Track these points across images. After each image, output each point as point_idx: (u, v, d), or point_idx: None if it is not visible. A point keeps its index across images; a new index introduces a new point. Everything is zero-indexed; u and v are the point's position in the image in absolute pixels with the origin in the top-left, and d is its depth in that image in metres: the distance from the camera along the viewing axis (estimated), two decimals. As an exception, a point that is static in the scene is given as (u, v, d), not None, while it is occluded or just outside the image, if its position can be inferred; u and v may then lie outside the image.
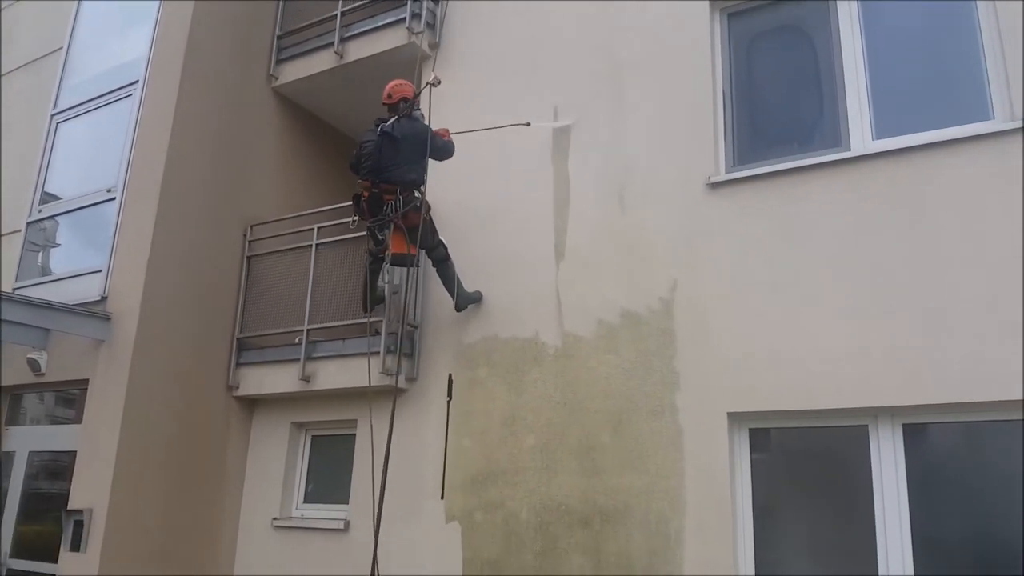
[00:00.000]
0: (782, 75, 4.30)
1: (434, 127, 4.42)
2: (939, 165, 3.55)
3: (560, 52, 4.87)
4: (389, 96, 4.45)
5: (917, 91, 3.85)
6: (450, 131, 4.49)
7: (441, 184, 4.74)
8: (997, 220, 3.37)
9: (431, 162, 4.34)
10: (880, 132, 3.82)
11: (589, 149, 4.59)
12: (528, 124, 4.56)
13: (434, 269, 4.66)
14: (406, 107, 4.40)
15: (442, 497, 4.04)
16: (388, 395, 4.23)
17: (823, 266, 3.70)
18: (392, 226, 4.34)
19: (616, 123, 4.53)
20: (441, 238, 4.59)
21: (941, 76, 3.80)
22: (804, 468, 3.80)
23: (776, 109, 4.26)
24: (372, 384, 4.31)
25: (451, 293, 4.61)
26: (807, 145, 4.02)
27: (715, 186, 4.09)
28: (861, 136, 3.85)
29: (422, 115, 4.49)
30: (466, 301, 4.64)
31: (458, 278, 4.60)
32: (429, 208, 4.45)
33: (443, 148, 4.42)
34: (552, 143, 4.72)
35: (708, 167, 4.14)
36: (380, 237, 4.47)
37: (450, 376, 4.13)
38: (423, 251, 4.55)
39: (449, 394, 4.04)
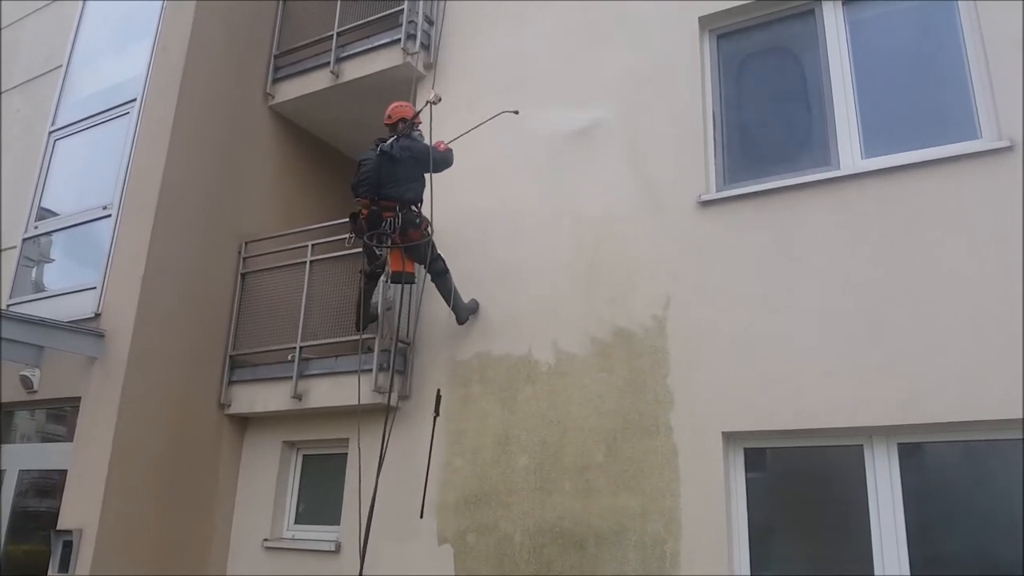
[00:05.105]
0: (772, 95, 4.33)
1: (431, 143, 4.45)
2: (928, 184, 3.57)
3: (551, 71, 4.90)
4: (389, 117, 4.53)
5: (905, 110, 3.88)
6: (445, 141, 4.51)
7: (438, 199, 4.74)
8: (987, 238, 3.38)
9: (429, 177, 4.35)
10: (869, 151, 3.84)
11: (582, 167, 4.61)
12: (517, 112, 4.49)
13: (431, 284, 4.65)
14: (405, 127, 4.45)
15: (421, 516, 3.93)
16: (381, 413, 4.20)
17: (815, 284, 3.70)
18: (390, 243, 4.35)
19: (608, 141, 4.55)
20: (439, 252, 4.60)
21: (929, 95, 3.83)
22: (800, 488, 3.77)
23: (766, 129, 4.29)
24: (363, 402, 4.26)
25: (450, 305, 4.60)
26: (797, 164, 4.04)
27: (706, 204, 4.11)
28: (851, 155, 3.87)
29: (421, 135, 4.53)
30: (466, 313, 4.63)
31: (456, 291, 4.59)
32: (429, 224, 4.46)
33: (443, 159, 4.46)
34: (547, 160, 4.74)
35: (699, 185, 4.16)
36: (378, 253, 4.48)
37: (438, 392, 4.06)
38: (421, 267, 4.56)
39: (436, 410, 3.95)
